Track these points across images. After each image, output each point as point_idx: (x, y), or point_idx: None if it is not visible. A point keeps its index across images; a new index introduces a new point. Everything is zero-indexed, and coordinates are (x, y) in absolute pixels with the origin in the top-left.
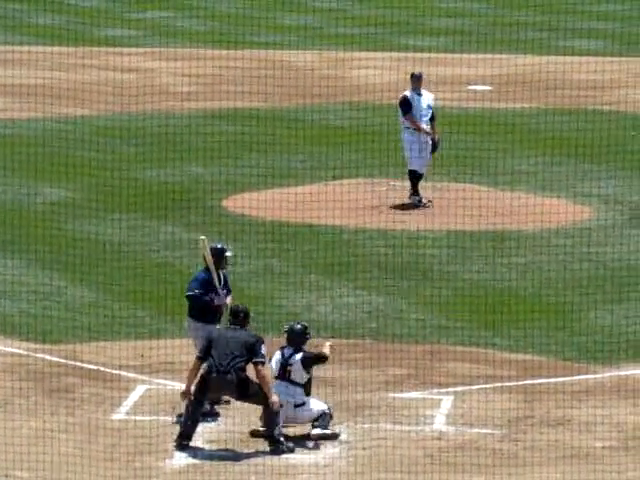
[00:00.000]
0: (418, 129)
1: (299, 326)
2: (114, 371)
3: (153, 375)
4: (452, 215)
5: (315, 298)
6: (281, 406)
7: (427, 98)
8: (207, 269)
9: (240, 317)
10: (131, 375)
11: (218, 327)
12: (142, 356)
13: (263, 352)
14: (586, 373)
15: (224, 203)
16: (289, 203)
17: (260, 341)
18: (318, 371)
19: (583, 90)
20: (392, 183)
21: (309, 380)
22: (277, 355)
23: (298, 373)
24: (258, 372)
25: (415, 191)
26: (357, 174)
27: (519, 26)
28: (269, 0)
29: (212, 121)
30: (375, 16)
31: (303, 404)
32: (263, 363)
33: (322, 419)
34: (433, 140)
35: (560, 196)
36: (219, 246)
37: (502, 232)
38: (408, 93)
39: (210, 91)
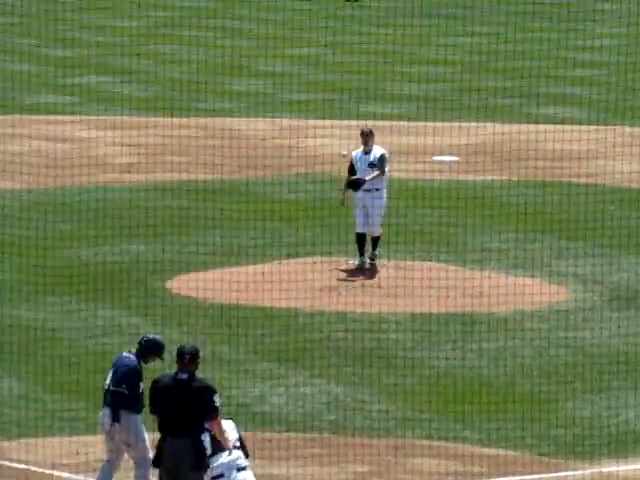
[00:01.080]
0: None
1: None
2: (46, 471)
3: (90, 474)
4: (417, 296)
5: (268, 388)
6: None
7: (374, 155)
8: (137, 354)
9: (186, 359)
10: (65, 475)
11: (161, 376)
12: (77, 453)
13: (216, 402)
14: (565, 470)
15: (168, 284)
16: (239, 284)
17: (212, 389)
18: (272, 468)
19: (558, 161)
20: (351, 261)
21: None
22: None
23: (233, 437)
24: (213, 423)
25: (360, 252)
26: (313, 252)
27: (488, 92)
28: (216, 64)
29: (154, 195)
30: (332, 81)
31: (244, 469)
32: (217, 414)
33: None
34: (357, 180)
35: (534, 275)
36: (157, 338)
37: (472, 315)
38: (355, 153)
39: (152, 162)
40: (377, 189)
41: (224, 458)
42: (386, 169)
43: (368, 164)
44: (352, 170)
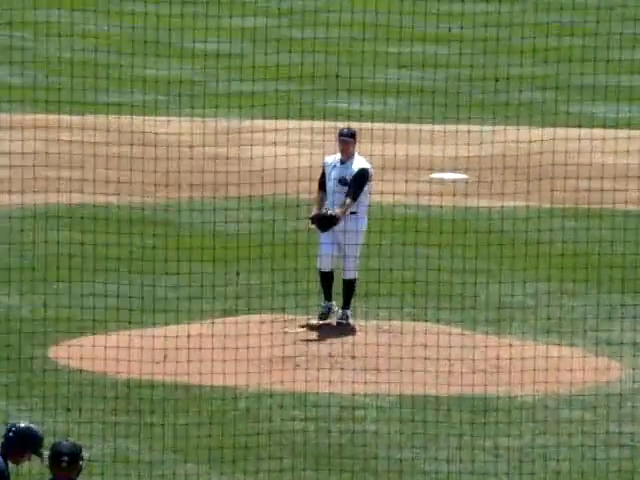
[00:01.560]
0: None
1: None
2: None
3: None
4: (407, 371)
5: None
6: None
7: (351, 169)
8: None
9: (63, 463)
10: None
11: None
12: None
13: None
14: None
15: (52, 352)
16: (155, 352)
17: None
18: None
19: (608, 181)
20: (313, 320)
21: None
22: None
23: None
24: None
25: (326, 294)
26: (260, 306)
27: (508, 81)
28: (122, 38)
29: (31, 224)
30: (289, 65)
31: None
32: None
33: None
34: (328, 217)
35: (574, 344)
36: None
37: (485, 399)
38: (328, 159)
39: (28, 177)
40: (353, 213)
41: None
42: (366, 188)
43: (339, 179)
44: (322, 179)
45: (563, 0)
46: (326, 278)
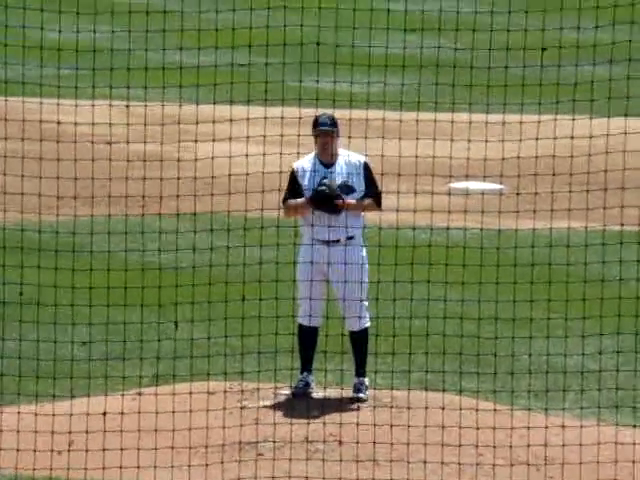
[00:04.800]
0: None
1: None
2: None
3: None
4: (417, 463)
5: None
6: None
7: (347, 166)
8: None
9: None
10: None
11: None
12: None
13: None
14: None
15: None
16: (55, 437)
17: None
18: None
19: None
20: (284, 390)
21: None
22: None
23: None
24: None
25: (305, 362)
26: (207, 371)
27: (563, 51)
28: None
29: None
30: (248, 27)
31: None
32: None
33: None
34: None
35: None
36: None
37: None
38: (299, 165)
39: None
40: (350, 238)
41: None
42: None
43: (338, 186)
44: (295, 193)
45: None
46: (310, 336)
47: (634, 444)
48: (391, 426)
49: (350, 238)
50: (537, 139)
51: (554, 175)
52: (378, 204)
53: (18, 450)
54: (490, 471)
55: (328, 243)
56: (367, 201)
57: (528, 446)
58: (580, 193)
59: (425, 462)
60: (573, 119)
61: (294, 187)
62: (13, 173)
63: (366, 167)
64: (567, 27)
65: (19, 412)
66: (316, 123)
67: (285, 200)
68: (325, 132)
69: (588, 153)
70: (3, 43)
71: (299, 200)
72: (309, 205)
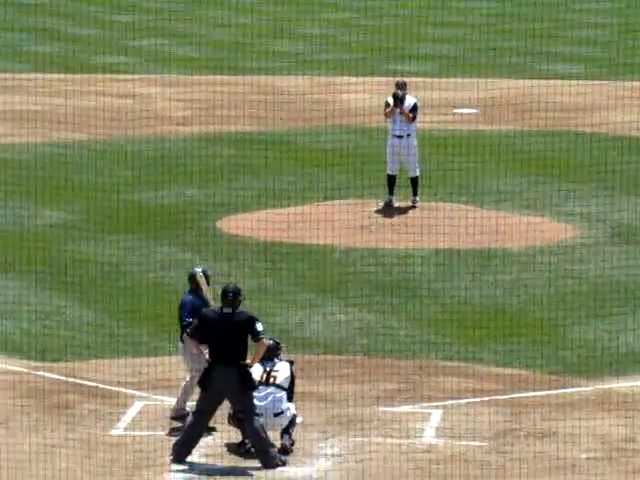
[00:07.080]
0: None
1: (271, 342)
2: (112, 388)
3: (150, 391)
4: (439, 234)
5: (307, 315)
6: (260, 414)
7: (408, 103)
8: (191, 291)
9: (229, 297)
10: (129, 392)
11: (209, 309)
12: (140, 373)
13: (259, 328)
14: (571, 386)
15: (218, 224)
16: (281, 223)
17: (254, 318)
18: (311, 386)
19: (565, 112)
20: (381, 203)
21: (292, 383)
22: (257, 367)
23: (283, 377)
24: (259, 345)
25: (390, 190)
26: (347, 195)
27: (503, 51)
28: (261, 27)
29: (206, 145)
30: (363, 42)
31: (282, 412)
32: (261, 337)
33: (291, 426)
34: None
35: (544, 215)
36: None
37: (488, 250)
38: (390, 99)
39: (204, 115)
40: (409, 135)
41: (267, 402)
42: (417, 117)
43: (400, 112)
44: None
45: None
46: (390, 180)
47: (535, 223)
48: (428, 218)
49: (408, 135)
50: (493, 90)
51: (506, 106)
52: (413, 118)
53: (266, 230)
54: (479, 236)
55: (398, 137)
56: (411, 115)
57: (489, 225)
58: (515, 113)
59: (451, 234)
60: (515, 80)
61: (387, 104)
62: (262, 109)
63: (414, 105)
64: None
65: (266, 213)
66: (396, 83)
67: (387, 106)
68: (399, 86)
69: (522, 96)
70: (257, 52)
71: None
72: None
